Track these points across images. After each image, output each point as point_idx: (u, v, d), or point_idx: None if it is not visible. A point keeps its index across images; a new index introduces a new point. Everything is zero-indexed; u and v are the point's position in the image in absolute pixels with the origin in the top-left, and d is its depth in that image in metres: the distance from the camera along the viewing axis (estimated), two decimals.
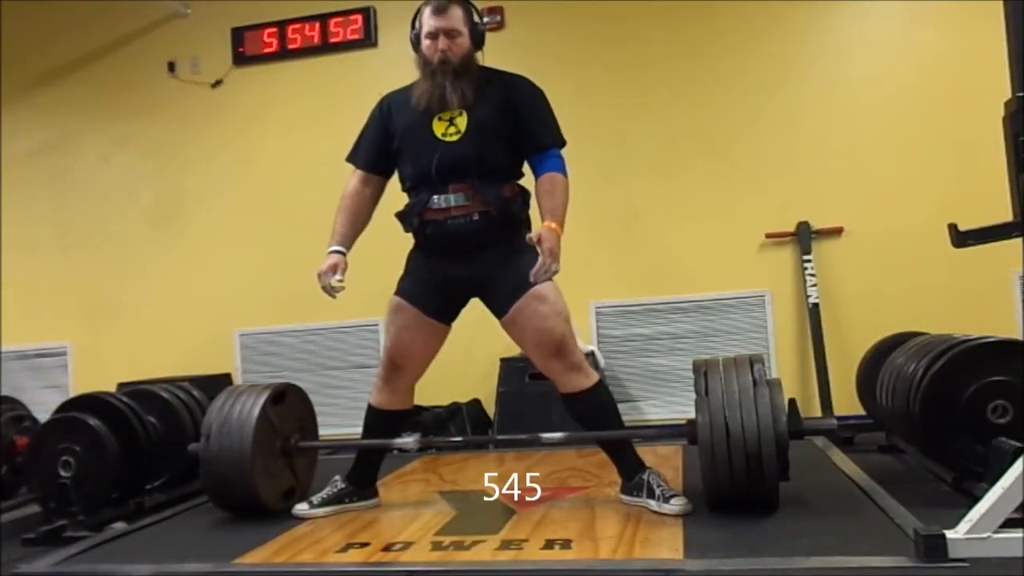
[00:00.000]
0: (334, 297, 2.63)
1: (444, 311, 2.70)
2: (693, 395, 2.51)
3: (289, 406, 2.97)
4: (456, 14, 2.56)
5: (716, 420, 2.40)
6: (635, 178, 4.69)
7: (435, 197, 2.57)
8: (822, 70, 4.56)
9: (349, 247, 2.70)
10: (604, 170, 4.68)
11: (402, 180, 2.70)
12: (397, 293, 2.71)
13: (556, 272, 2.46)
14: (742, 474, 2.36)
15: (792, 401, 2.52)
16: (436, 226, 2.59)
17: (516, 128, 2.58)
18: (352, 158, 2.78)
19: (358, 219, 2.73)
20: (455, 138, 2.56)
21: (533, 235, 2.45)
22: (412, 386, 2.79)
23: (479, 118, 2.56)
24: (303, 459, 3.02)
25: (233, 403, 2.82)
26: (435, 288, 2.66)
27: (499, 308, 2.61)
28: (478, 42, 2.63)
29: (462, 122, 2.56)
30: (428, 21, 2.57)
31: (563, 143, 2.62)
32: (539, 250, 2.41)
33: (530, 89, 2.64)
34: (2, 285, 5.18)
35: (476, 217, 2.55)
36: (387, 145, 2.69)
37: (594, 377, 2.64)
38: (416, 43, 2.64)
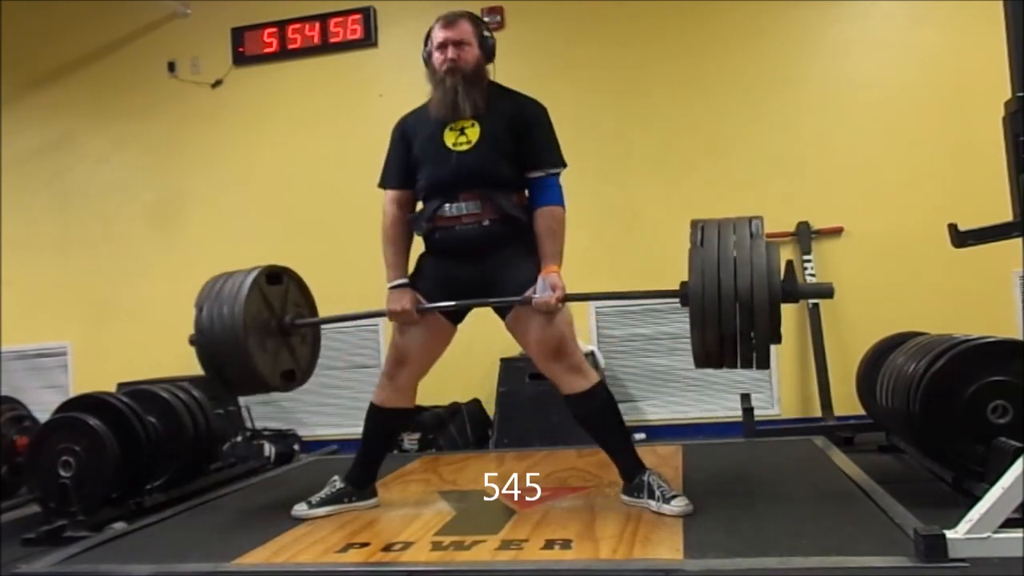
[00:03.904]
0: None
1: (453, 312, 2.73)
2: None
3: (287, 289, 2.96)
4: (465, 27, 2.64)
5: (708, 271, 2.32)
6: (635, 178, 4.69)
7: (447, 205, 2.63)
8: (822, 70, 4.57)
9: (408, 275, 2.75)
10: (604, 170, 4.69)
11: (417, 190, 2.73)
12: None
13: (560, 310, 2.55)
14: (732, 327, 2.29)
15: (789, 263, 2.45)
16: (445, 232, 2.65)
17: (521, 146, 2.62)
18: (384, 183, 2.77)
19: (407, 244, 2.76)
20: (465, 148, 2.61)
21: (544, 296, 2.51)
22: (415, 385, 2.80)
23: (490, 130, 2.61)
24: (303, 344, 3.02)
25: (226, 280, 2.82)
26: (444, 288, 2.69)
27: (503, 309, 2.67)
28: (488, 54, 2.68)
29: (473, 133, 2.61)
30: (437, 33, 2.65)
31: (564, 165, 2.66)
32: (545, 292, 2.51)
33: (538, 110, 2.67)
34: (2, 285, 5.17)
35: (486, 223, 2.61)
36: (412, 160, 2.72)
37: (594, 378, 2.66)
38: (428, 59, 2.70)
